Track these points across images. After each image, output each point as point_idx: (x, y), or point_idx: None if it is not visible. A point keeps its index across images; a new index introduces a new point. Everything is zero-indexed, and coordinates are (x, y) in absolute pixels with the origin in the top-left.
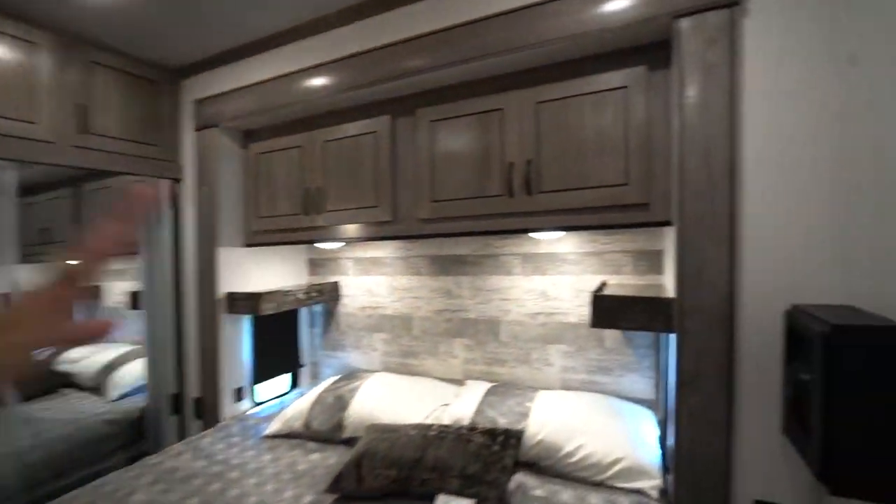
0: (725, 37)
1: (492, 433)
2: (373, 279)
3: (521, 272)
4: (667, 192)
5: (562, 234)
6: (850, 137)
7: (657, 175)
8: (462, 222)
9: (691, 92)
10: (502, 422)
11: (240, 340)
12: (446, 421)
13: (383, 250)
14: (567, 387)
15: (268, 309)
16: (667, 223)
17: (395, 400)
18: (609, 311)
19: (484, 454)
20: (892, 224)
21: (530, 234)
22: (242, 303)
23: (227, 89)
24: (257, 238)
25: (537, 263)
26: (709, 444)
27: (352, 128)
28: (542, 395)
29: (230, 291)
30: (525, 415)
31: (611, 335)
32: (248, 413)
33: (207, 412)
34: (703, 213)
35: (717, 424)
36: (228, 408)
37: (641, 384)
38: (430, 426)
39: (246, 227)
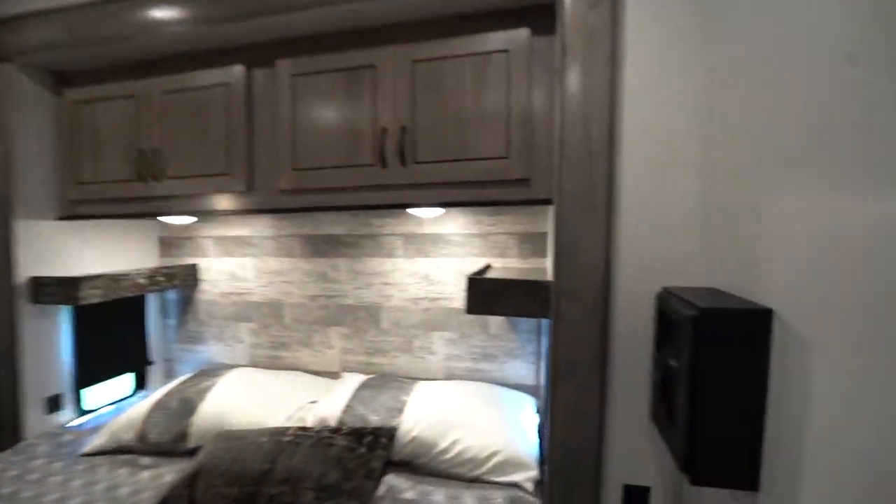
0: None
1: (358, 434)
2: (237, 261)
3: (404, 254)
4: (549, 168)
5: (441, 211)
6: (723, 115)
7: (539, 149)
8: (329, 195)
9: (573, 58)
10: (374, 419)
11: (55, 336)
12: (310, 422)
13: (249, 228)
14: (451, 376)
15: (91, 297)
16: (548, 201)
17: (253, 400)
18: (486, 295)
19: (347, 459)
20: (754, 208)
21: (408, 211)
22: (53, 290)
23: (26, 10)
24: (78, 209)
25: (420, 245)
26: (582, 432)
27: (199, 77)
28: (419, 388)
29: (35, 276)
30: (400, 410)
31: (495, 321)
32: (67, 426)
33: (2, 429)
34: (582, 188)
35: (591, 412)
36: (35, 422)
37: (525, 370)
38: (285, 430)
39: (60, 196)
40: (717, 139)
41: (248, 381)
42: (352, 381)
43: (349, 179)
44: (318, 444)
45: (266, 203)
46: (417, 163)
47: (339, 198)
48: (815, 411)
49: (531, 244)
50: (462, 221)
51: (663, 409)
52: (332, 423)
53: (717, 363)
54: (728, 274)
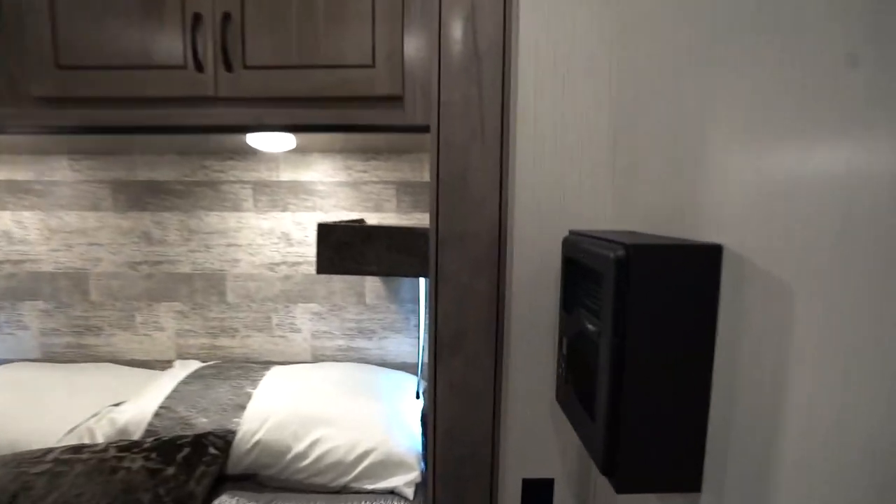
0: None
1: (167, 448)
2: (12, 216)
3: (254, 207)
4: (427, 85)
5: (290, 143)
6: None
7: (414, 57)
8: (117, 110)
9: None
10: (202, 423)
11: None
12: (102, 435)
13: (27, 169)
14: (320, 357)
15: None
16: (427, 128)
17: (24, 410)
18: (341, 248)
19: (144, 486)
20: (663, 142)
21: (250, 143)
22: None
23: None
24: None
25: (275, 195)
26: (472, 418)
27: None
28: (272, 375)
29: None
30: (242, 407)
31: (373, 288)
32: None
33: None
34: (468, 102)
35: (482, 393)
36: None
37: (408, 346)
38: (41, 455)
39: None
40: (635, 48)
41: (22, 383)
42: (180, 371)
43: (147, 87)
44: (94, 471)
45: (11, 119)
46: (248, 67)
47: (132, 115)
48: (794, 382)
49: (412, 195)
50: (327, 167)
51: (573, 387)
52: (138, 433)
53: (652, 322)
54: (651, 215)
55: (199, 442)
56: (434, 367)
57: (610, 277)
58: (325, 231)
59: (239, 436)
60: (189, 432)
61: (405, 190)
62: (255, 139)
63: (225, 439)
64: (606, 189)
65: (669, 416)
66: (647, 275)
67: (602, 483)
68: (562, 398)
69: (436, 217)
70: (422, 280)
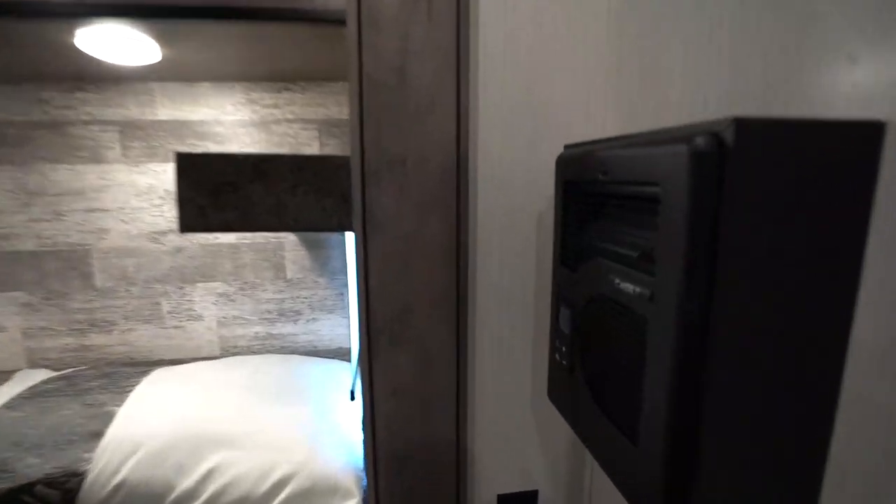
0: None
1: None
2: None
3: (123, 157)
4: None
5: (154, 52)
6: None
7: None
8: None
9: None
10: (32, 465)
11: None
12: None
13: None
14: (231, 350)
15: None
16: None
17: None
18: (219, 193)
19: None
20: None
21: (90, 52)
22: None
23: None
24: None
25: (153, 140)
26: (428, 429)
27: None
28: (151, 382)
29: None
30: (98, 433)
31: (295, 257)
32: None
33: None
34: None
35: (441, 396)
36: None
37: (345, 328)
38: None
39: None
40: None
41: None
42: (10, 388)
43: None
44: None
45: None
46: None
47: None
48: None
49: (340, 138)
50: (224, 101)
51: (588, 384)
52: None
53: (766, 273)
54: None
55: (18, 500)
56: (368, 361)
57: (682, 190)
58: (188, 165)
59: (90, 479)
60: (5, 484)
61: (330, 131)
62: (94, 45)
63: (64, 487)
64: (604, 88)
65: (782, 440)
66: (766, 179)
67: (601, 495)
68: (560, 394)
69: (359, 135)
70: (349, 236)
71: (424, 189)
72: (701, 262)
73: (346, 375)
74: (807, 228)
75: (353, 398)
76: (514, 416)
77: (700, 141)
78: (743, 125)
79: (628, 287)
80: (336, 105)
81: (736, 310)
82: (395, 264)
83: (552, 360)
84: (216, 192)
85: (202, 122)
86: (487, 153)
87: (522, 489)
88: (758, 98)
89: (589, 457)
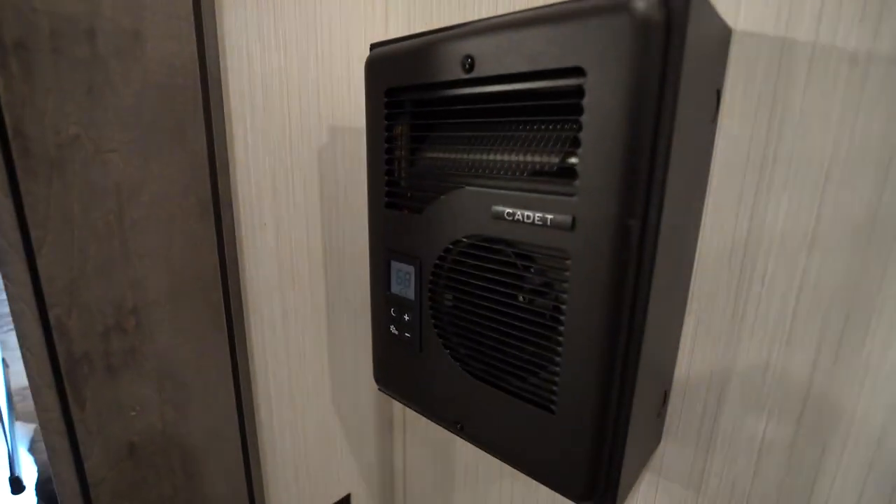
0: None
1: None
2: None
3: None
4: None
5: None
6: None
7: None
8: None
9: None
10: None
11: None
12: None
13: None
14: None
15: None
16: None
17: None
18: None
19: None
20: None
21: None
22: None
23: None
24: None
25: None
26: (199, 487)
27: None
28: None
29: None
30: None
31: None
32: None
33: None
34: None
35: (214, 430)
36: None
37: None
38: None
39: None
40: None
41: None
42: None
43: None
44: None
45: None
46: None
47: None
48: None
49: None
50: None
51: (445, 354)
52: None
53: (682, 170)
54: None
55: None
56: (63, 413)
57: (622, 75)
58: None
59: None
60: None
61: None
62: None
63: None
64: None
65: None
66: (688, 53)
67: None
68: (399, 377)
69: None
70: None
71: (147, 106)
72: (642, 167)
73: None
74: (698, 108)
75: (18, 488)
76: (317, 429)
77: (641, 5)
78: None
79: (528, 216)
80: None
81: (660, 223)
82: (96, 238)
83: (382, 336)
84: None
85: None
86: (241, 66)
87: (333, 500)
88: None
89: (400, 458)
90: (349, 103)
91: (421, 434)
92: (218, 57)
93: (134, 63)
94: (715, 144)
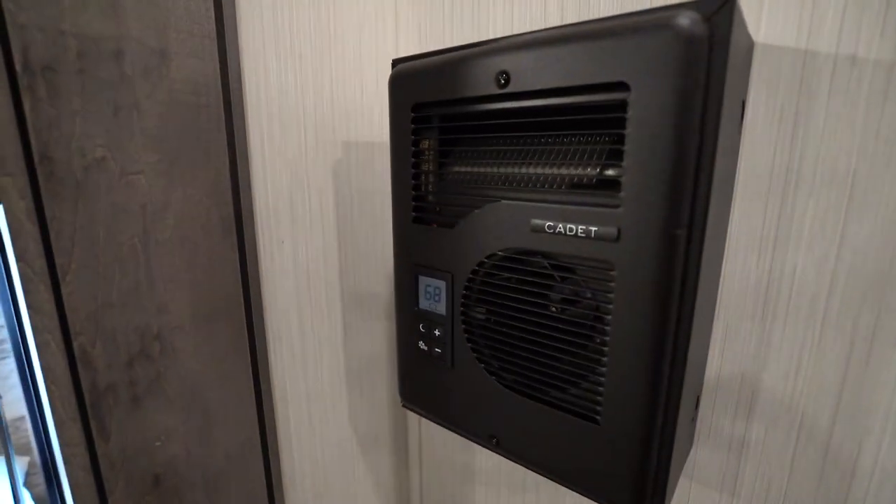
0: None
1: None
2: None
3: None
4: None
5: None
6: None
7: None
8: None
9: None
10: None
11: None
12: None
13: None
14: None
15: None
16: None
17: None
18: None
19: None
20: None
21: None
22: None
23: None
24: None
25: None
26: None
27: None
28: None
29: None
30: None
31: None
32: None
33: None
34: None
35: (239, 455)
36: None
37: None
38: None
39: None
40: None
41: None
42: None
43: None
44: None
45: None
46: None
47: None
48: None
49: None
50: None
51: (480, 369)
52: None
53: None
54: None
55: None
56: (87, 442)
57: (667, 88)
58: None
59: None
60: None
61: None
62: None
63: None
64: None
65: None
66: (727, 68)
67: None
68: (428, 394)
69: None
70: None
71: (172, 126)
72: (687, 178)
73: None
74: (732, 121)
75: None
76: (335, 450)
77: (685, 22)
78: (720, 2)
79: (571, 228)
80: None
81: (702, 233)
82: (121, 261)
83: (409, 352)
84: None
85: None
86: (259, 82)
87: None
88: None
89: (416, 477)
90: (361, 116)
91: (438, 453)
92: (240, 74)
93: (160, 82)
94: (740, 153)
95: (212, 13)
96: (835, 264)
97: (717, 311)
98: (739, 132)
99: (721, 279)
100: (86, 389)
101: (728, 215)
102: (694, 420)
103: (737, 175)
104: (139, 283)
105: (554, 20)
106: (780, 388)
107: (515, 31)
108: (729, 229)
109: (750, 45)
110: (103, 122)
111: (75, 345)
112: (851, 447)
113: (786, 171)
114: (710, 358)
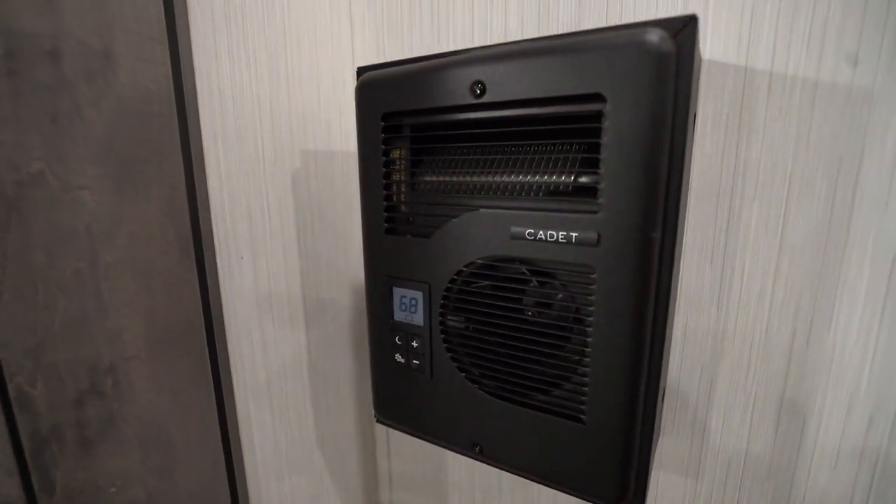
0: None
1: None
2: None
3: None
4: None
5: None
6: None
7: None
8: None
9: None
10: None
11: None
12: None
13: None
14: None
15: None
16: None
17: None
18: None
19: None
20: None
21: None
22: None
23: None
24: None
25: None
26: None
27: None
28: None
29: None
30: None
31: None
32: None
33: None
34: None
35: (202, 490)
36: None
37: None
38: None
39: None
40: None
41: None
42: None
43: None
44: None
45: None
46: None
47: None
48: None
49: None
50: None
51: (458, 379)
52: None
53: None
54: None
55: None
56: (27, 493)
57: (643, 99)
58: None
59: None
60: None
61: None
62: None
63: None
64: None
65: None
66: (690, 79)
67: None
68: (404, 407)
69: None
70: None
71: (121, 136)
72: (661, 183)
73: None
74: (686, 126)
75: None
76: (302, 470)
77: (656, 38)
78: (684, 21)
79: (552, 234)
80: None
81: (673, 235)
82: (65, 290)
83: (384, 366)
84: None
85: None
86: (213, 87)
87: None
88: None
89: (386, 492)
90: (320, 123)
91: (408, 467)
92: (194, 80)
93: (106, 88)
94: (692, 161)
95: (161, 12)
96: (777, 261)
97: (677, 306)
98: (692, 142)
99: (679, 276)
100: (25, 436)
101: (684, 219)
102: (661, 412)
103: (689, 182)
104: (86, 312)
105: (514, 28)
106: (736, 374)
107: (476, 38)
108: (684, 231)
109: (700, 62)
110: (40, 130)
111: (10, 386)
112: (797, 424)
113: (732, 176)
114: (672, 352)
